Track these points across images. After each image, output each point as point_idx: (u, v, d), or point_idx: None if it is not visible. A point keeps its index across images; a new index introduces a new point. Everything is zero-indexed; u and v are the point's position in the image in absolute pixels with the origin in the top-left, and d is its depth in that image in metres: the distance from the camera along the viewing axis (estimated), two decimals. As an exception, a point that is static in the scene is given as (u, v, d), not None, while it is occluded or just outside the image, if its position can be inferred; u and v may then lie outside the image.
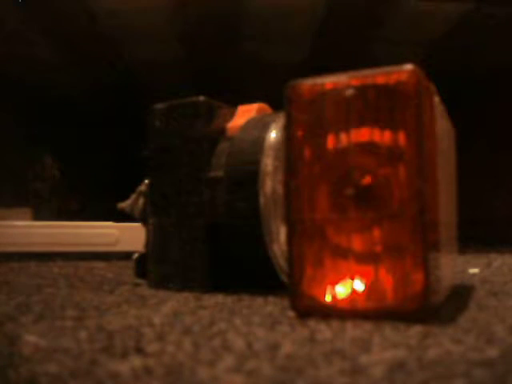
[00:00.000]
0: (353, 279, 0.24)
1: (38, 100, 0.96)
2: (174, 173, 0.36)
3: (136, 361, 0.18)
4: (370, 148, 0.24)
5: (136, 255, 0.39)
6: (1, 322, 0.24)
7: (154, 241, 0.37)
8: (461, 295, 0.32)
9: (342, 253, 0.25)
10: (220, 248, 0.35)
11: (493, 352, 0.18)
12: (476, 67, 0.88)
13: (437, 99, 0.27)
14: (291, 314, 0.25)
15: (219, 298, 0.32)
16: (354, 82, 0.25)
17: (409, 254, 0.23)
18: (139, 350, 0.19)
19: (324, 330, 0.22)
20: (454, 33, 0.73)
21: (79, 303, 0.30)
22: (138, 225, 0.41)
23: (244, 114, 0.37)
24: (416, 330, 0.22)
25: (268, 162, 0.33)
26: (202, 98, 0.36)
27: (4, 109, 0.88)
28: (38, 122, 0.97)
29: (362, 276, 0.24)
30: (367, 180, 0.24)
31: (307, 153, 0.25)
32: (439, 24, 0.71)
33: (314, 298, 0.25)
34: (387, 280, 0.24)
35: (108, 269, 0.52)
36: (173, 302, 0.30)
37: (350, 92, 0.25)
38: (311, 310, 0.25)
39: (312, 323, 0.23)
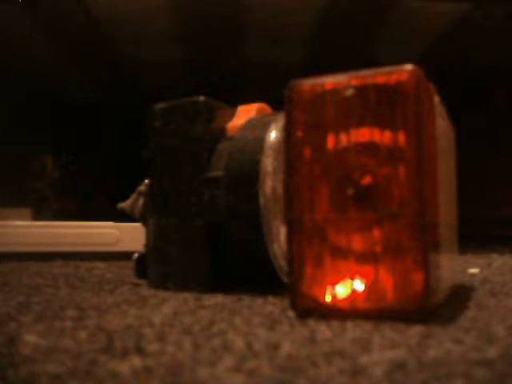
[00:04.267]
0: (353, 279, 0.24)
1: (37, 99, 0.96)
2: (174, 173, 0.36)
3: (136, 361, 0.18)
4: (370, 148, 0.24)
5: (136, 255, 0.39)
6: (1, 321, 0.24)
7: (154, 241, 0.37)
8: (461, 295, 0.32)
9: (342, 253, 0.25)
10: (220, 248, 0.35)
11: (493, 352, 0.18)
12: (475, 67, 0.88)
13: (437, 99, 0.27)
14: (291, 314, 0.25)
15: (219, 298, 0.32)
16: (354, 82, 0.25)
17: (409, 254, 0.23)
18: (139, 350, 0.19)
19: (324, 330, 0.22)
20: (454, 32, 0.73)
21: (79, 303, 0.30)
22: (138, 225, 0.41)
23: (244, 114, 0.37)
24: (416, 330, 0.22)
25: (268, 162, 0.33)
26: (202, 98, 0.36)
27: (4, 108, 0.88)
28: (38, 121, 0.97)
29: (362, 276, 0.24)
30: (367, 180, 0.24)
31: (307, 153, 0.25)
32: (439, 24, 0.71)
33: (314, 298, 0.25)
34: (387, 280, 0.24)
35: (108, 269, 0.52)
36: (173, 302, 0.30)
37: (349, 92, 0.25)
38: (311, 310, 0.25)
39: (312, 323, 0.23)
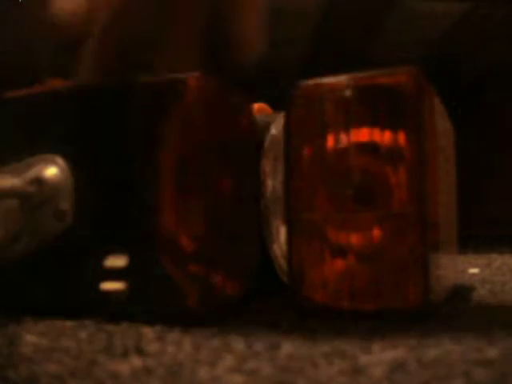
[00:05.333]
0: (353, 279, 0.24)
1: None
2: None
3: (136, 361, 0.17)
4: (370, 148, 0.24)
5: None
6: (1, 322, 0.24)
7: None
8: (461, 295, 0.32)
9: (342, 253, 0.25)
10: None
11: (493, 352, 0.18)
12: (476, 67, 0.88)
13: (437, 99, 0.27)
14: (291, 314, 0.25)
15: (219, 297, 0.31)
16: (354, 83, 0.25)
17: (409, 253, 0.23)
18: (139, 350, 0.19)
19: (324, 330, 0.22)
20: (453, 33, 0.73)
21: (79, 303, 0.29)
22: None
23: (244, 114, 0.37)
24: (416, 330, 0.22)
25: (268, 162, 0.33)
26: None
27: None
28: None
29: (362, 276, 0.24)
30: (367, 180, 0.24)
31: (307, 153, 0.25)
32: (439, 24, 0.71)
33: (314, 298, 0.25)
34: (387, 280, 0.24)
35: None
36: (173, 301, 0.30)
37: (350, 92, 0.25)
38: (311, 310, 0.25)
39: (312, 323, 0.23)
